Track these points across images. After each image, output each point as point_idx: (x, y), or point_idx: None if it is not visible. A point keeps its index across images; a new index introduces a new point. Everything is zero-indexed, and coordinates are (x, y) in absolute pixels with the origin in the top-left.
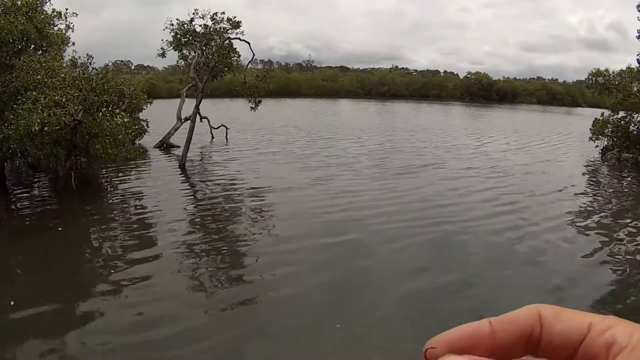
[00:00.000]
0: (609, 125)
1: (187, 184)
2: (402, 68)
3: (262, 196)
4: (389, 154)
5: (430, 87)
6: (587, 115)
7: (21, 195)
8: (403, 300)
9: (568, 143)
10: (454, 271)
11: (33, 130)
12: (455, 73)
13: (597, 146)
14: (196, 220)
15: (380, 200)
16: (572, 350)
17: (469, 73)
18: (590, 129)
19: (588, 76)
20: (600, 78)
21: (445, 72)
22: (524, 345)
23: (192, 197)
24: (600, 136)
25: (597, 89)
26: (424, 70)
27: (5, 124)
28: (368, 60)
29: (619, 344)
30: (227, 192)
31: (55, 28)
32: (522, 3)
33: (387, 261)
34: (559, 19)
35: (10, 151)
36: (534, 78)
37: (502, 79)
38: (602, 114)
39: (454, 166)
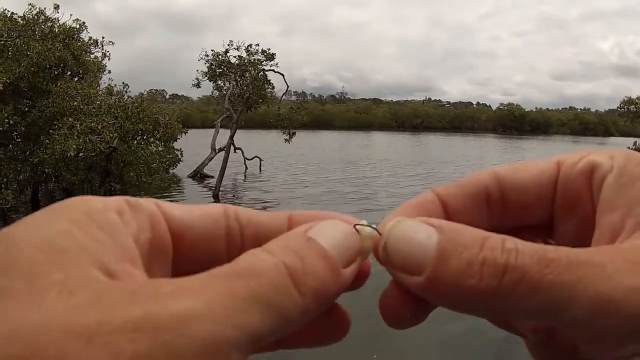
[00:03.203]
0: None
1: None
2: (435, 100)
3: None
4: None
5: (463, 119)
6: (621, 145)
7: None
8: None
9: None
10: None
11: (68, 155)
12: (487, 104)
13: None
14: None
15: None
16: (548, 198)
17: (501, 104)
18: None
19: (620, 104)
20: (632, 106)
21: (477, 103)
22: (484, 209)
23: None
24: None
25: (629, 118)
26: (456, 102)
27: (41, 148)
28: (400, 92)
29: (600, 168)
30: None
31: (92, 56)
32: (552, 30)
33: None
34: (589, 46)
35: (45, 175)
36: (566, 108)
37: (534, 110)
38: (635, 143)
39: None
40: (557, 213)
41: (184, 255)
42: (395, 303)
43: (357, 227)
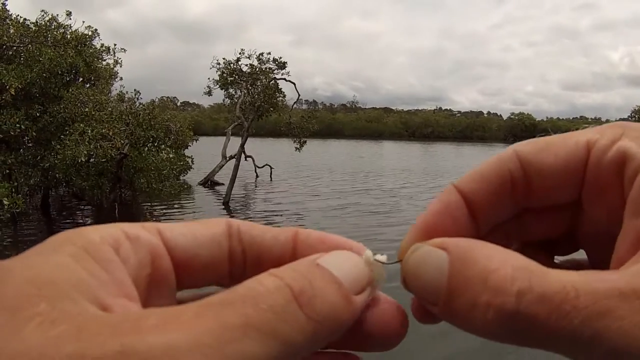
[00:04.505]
0: None
1: None
2: (446, 109)
3: None
4: None
5: (474, 129)
6: None
7: (64, 224)
8: None
9: None
10: None
11: (79, 161)
12: (498, 114)
13: None
14: None
15: None
16: (576, 182)
17: (512, 114)
18: None
19: (631, 114)
20: None
21: (488, 113)
22: (509, 195)
23: None
24: None
25: None
26: (467, 112)
27: (52, 154)
28: (411, 101)
29: (633, 161)
30: None
31: (104, 62)
32: (563, 41)
33: None
34: (600, 56)
35: (56, 180)
36: (576, 117)
37: (545, 120)
38: None
39: None
40: (585, 197)
41: (187, 283)
42: (424, 308)
43: (367, 258)
